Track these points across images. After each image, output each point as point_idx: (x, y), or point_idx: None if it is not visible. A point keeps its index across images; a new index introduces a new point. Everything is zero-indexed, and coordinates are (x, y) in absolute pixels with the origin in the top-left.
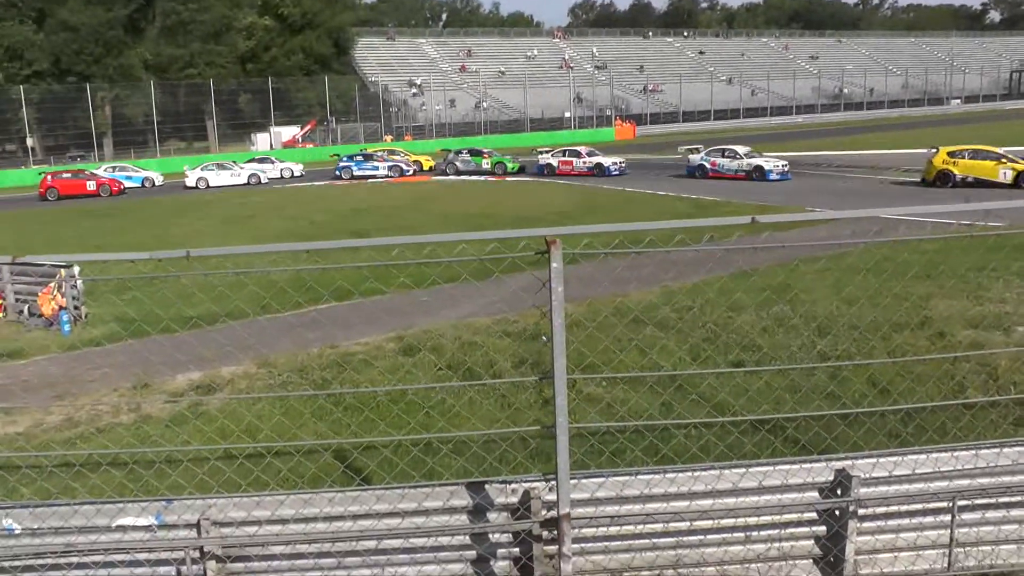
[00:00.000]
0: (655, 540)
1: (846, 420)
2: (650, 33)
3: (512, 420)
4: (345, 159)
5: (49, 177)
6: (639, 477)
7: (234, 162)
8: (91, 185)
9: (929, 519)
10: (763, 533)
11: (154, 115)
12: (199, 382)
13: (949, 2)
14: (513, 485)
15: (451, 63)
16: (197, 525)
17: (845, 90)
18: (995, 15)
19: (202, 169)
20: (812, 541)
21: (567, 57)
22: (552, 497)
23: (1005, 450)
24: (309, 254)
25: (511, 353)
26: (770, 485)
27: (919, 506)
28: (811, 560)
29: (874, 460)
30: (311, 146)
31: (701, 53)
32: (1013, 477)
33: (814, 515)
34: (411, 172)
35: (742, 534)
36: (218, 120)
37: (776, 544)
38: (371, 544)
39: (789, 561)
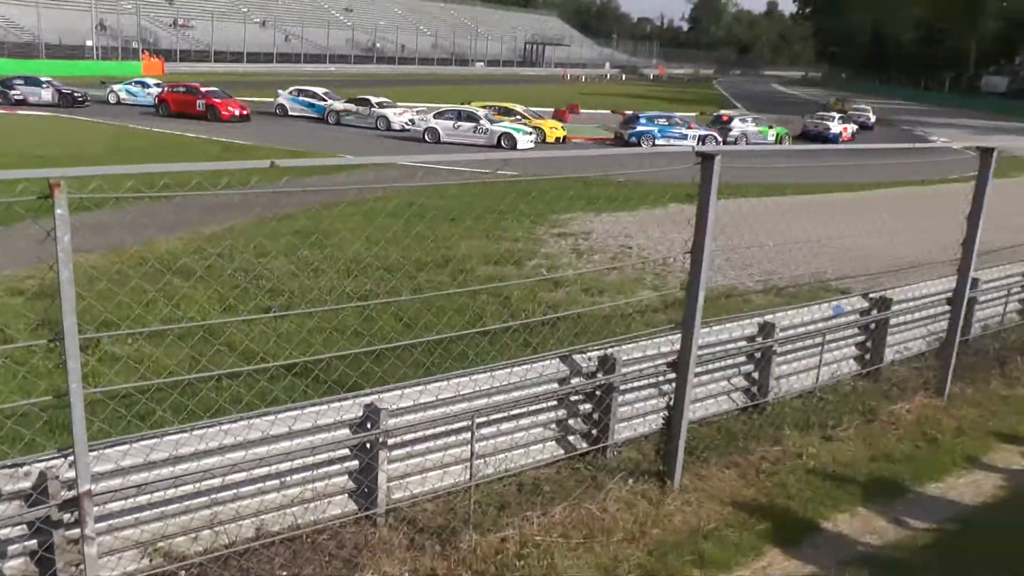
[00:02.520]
0: (188, 502)
1: (372, 356)
2: None
3: (25, 391)
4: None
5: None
6: (166, 439)
7: None
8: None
9: (452, 439)
10: (297, 477)
11: None
12: None
13: None
14: (26, 467)
15: None
16: None
17: (378, 44)
18: None
19: None
20: (346, 476)
21: None
22: (73, 474)
23: (514, 369)
24: None
25: (24, 314)
26: (301, 428)
27: (443, 428)
28: (346, 495)
29: (400, 392)
30: None
31: None
32: (521, 392)
33: (346, 451)
34: None
35: (276, 481)
36: None
37: (311, 485)
38: None
39: (324, 500)
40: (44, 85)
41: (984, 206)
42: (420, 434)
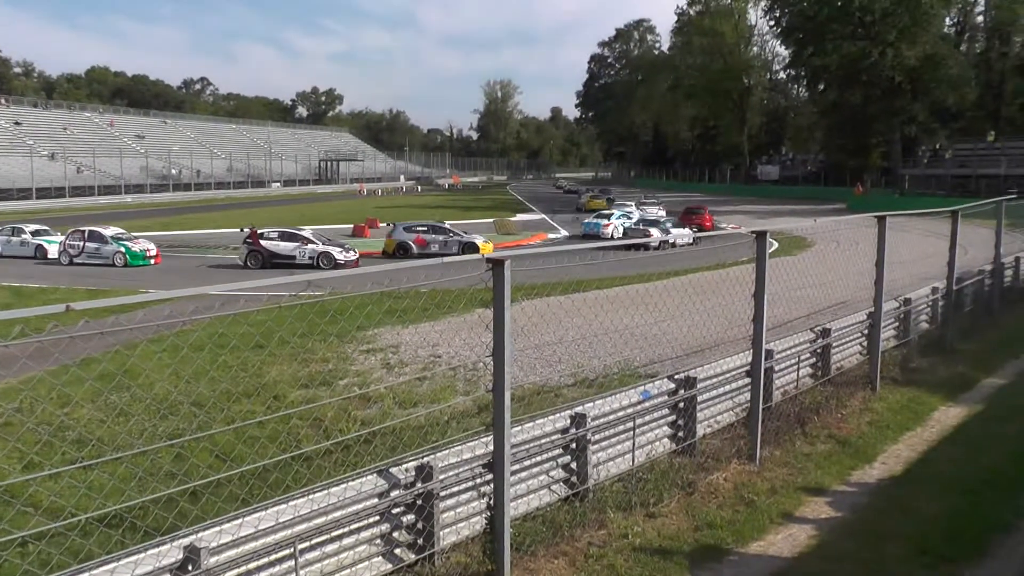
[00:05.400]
0: None
1: (186, 495)
2: None
3: None
4: None
5: None
6: None
7: None
8: None
9: (277, 568)
10: None
11: None
12: None
13: (264, 95)
14: None
15: None
16: None
17: (174, 171)
18: (303, 110)
19: None
20: None
21: None
22: None
23: (332, 489)
24: None
25: None
26: None
27: (266, 559)
28: None
29: (218, 528)
30: None
31: (17, 124)
32: (341, 511)
33: None
34: None
35: None
36: None
37: None
38: None
39: None
40: None
41: (766, 284)
42: (243, 568)
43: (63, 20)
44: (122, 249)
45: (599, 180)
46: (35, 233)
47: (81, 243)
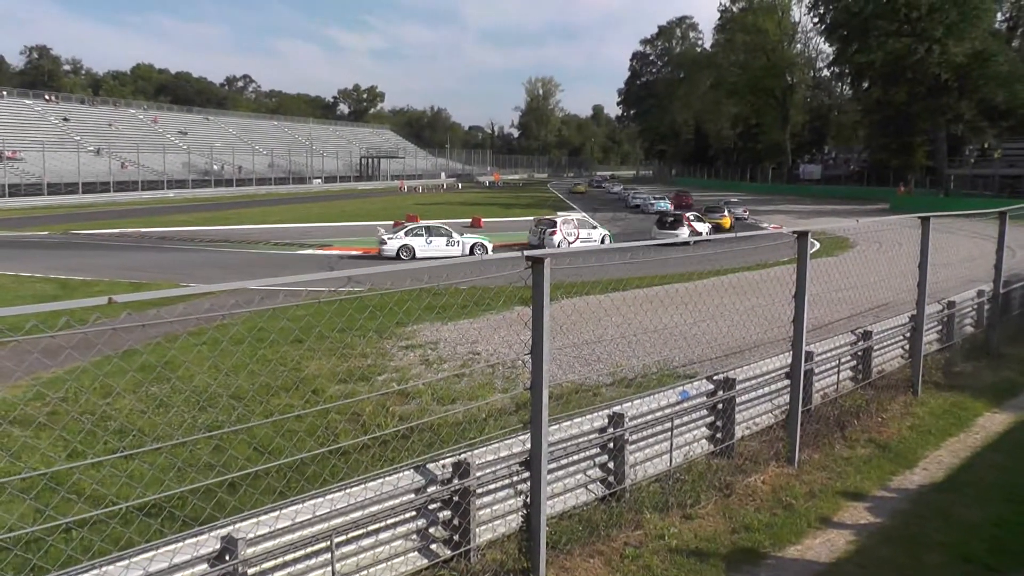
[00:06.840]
0: None
1: (225, 486)
2: (4, 92)
3: None
4: None
5: None
6: None
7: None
8: None
9: (314, 560)
10: None
11: None
12: None
13: (306, 92)
14: None
15: None
16: None
17: (216, 166)
18: (344, 107)
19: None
20: None
21: None
22: None
23: (369, 484)
24: None
25: None
26: (157, 569)
27: (303, 551)
28: None
29: (256, 519)
30: None
31: (65, 120)
32: (378, 506)
33: None
34: None
35: None
36: None
37: None
38: None
39: None
40: None
41: (807, 285)
42: (280, 560)
43: (110, 19)
44: (606, 233)
45: (640, 178)
46: (448, 234)
47: (576, 231)
